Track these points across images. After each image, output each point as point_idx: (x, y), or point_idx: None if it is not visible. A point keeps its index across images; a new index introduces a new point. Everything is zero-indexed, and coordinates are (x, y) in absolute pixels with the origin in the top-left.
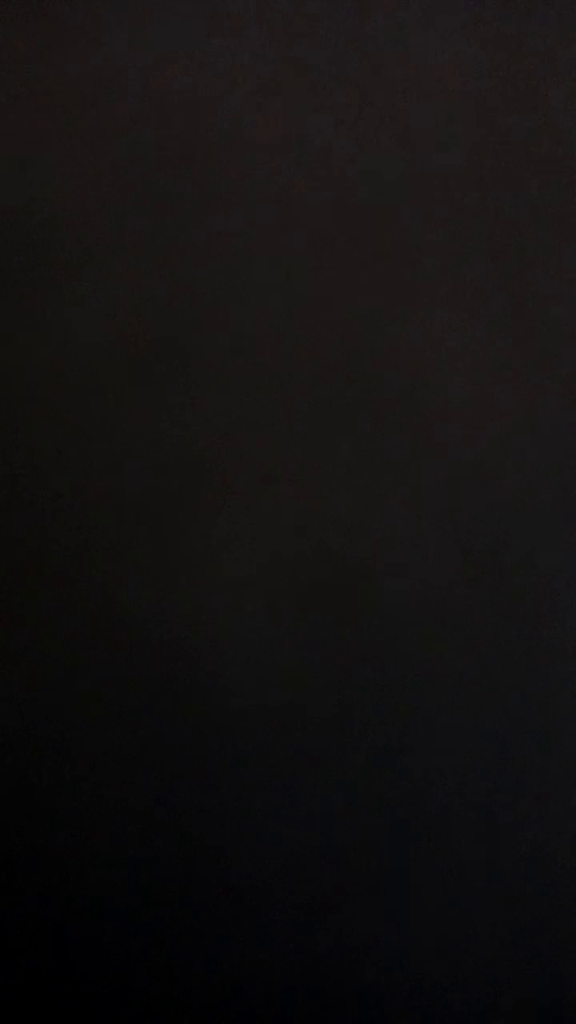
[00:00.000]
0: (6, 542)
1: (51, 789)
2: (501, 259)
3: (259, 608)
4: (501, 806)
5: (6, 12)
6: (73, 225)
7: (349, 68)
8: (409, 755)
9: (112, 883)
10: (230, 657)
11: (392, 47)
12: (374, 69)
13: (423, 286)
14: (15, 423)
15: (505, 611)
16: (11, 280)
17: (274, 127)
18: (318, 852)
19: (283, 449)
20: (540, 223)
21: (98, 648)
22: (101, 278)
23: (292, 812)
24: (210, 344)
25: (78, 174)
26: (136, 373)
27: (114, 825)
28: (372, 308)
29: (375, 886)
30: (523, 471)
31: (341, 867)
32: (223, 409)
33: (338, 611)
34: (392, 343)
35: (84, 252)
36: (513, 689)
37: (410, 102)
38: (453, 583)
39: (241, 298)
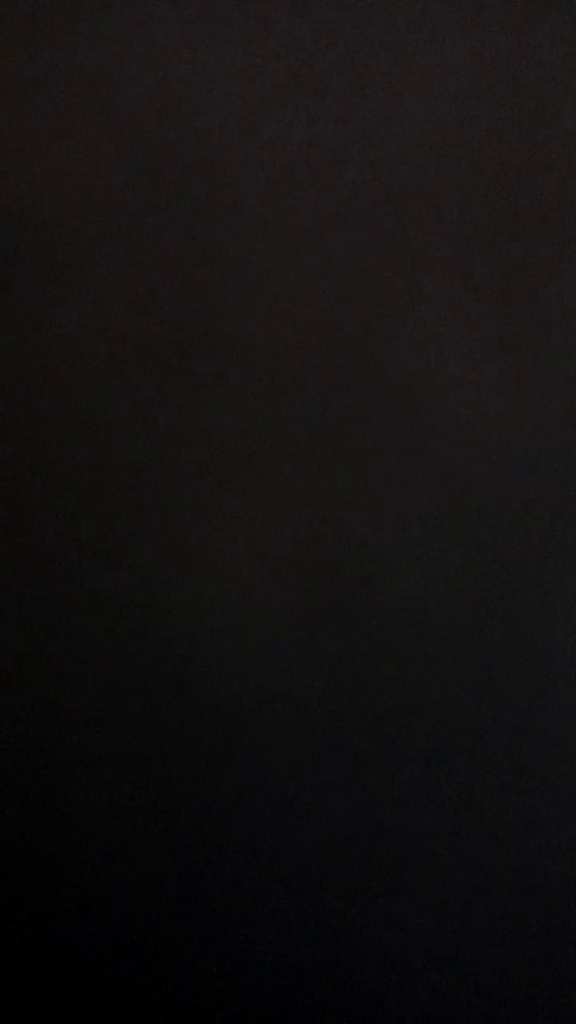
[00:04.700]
0: (2, 539)
1: (47, 788)
2: (501, 263)
3: (257, 608)
4: (502, 805)
5: (6, 12)
6: (73, 226)
7: (350, 69)
8: (408, 754)
9: (109, 882)
10: (228, 656)
11: (392, 48)
12: (375, 70)
13: (424, 288)
14: (14, 421)
15: (505, 611)
16: (12, 280)
17: (275, 127)
18: (317, 851)
19: (282, 448)
20: (541, 226)
21: (94, 646)
22: (101, 279)
23: (291, 812)
24: (210, 345)
25: (79, 175)
26: (134, 373)
27: (110, 822)
28: (372, 310)
29: (375, 886)
30: (523, 471)
31: (340, 866)
32: (222, 409)
33: (336, 610)
34: (392, 345)
35: (84, 253)
36: (513, 687)
37: (411, 104)
38: (452, 583)
39: (241, 299)
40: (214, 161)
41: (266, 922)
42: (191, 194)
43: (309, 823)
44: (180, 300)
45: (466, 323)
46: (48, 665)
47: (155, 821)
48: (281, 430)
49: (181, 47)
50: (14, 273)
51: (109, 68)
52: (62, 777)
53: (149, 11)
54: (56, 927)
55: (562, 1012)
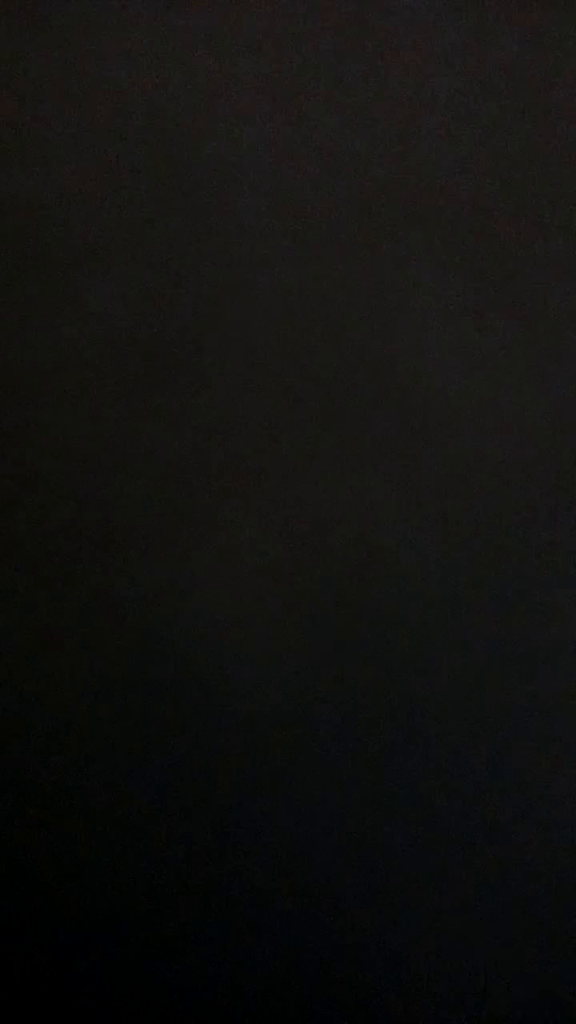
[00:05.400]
0: (3, 546)
1: (52, 795)
2: (499, 262)
3: (259, 612)
4: (501, 806)
5: (6, 12)
6: (73, 226)
7: (348, 70)
8: (409, 756)
9: (113, 885)
10: (230, 661)
11: (391, 50)
12: (373, 71)
13: (421, 287)
14: (13, 425)
15: (505, 613)
16: (11, 280)
17: (273, 129)
18: (318, 852)
19: (282, 452)
20: (538, 226)
21: (98, 654)
22: (100, 280)
23: (293, 814)
24: (208, 347)
25: (79, 174)
26: (134, 375)
27: (115, 827)
28: (370, 311)
29: (375, 886)
30: (521, 472)
31: (341, 867)
32: (221, 412)
33: (339, 614)
34: (390, 346)
35: (84, 253)
36: (513, 690)
37: (408, 105)
38: (453, 586)
39: (239, 302)
40: (213, 160)
41: (267, 923)
42: (190, 195)
43: (311, 828)
44: (178, 301)
45: (466, 323)
46: (49, 673)
47: (157, 825)
48: (281, 432)
49: (181, 48)
50: (13, 275)
51: (109, 68)
52: (66, 785)
53: (149, 11)
54: (56, 929)
55: (563, 1013)
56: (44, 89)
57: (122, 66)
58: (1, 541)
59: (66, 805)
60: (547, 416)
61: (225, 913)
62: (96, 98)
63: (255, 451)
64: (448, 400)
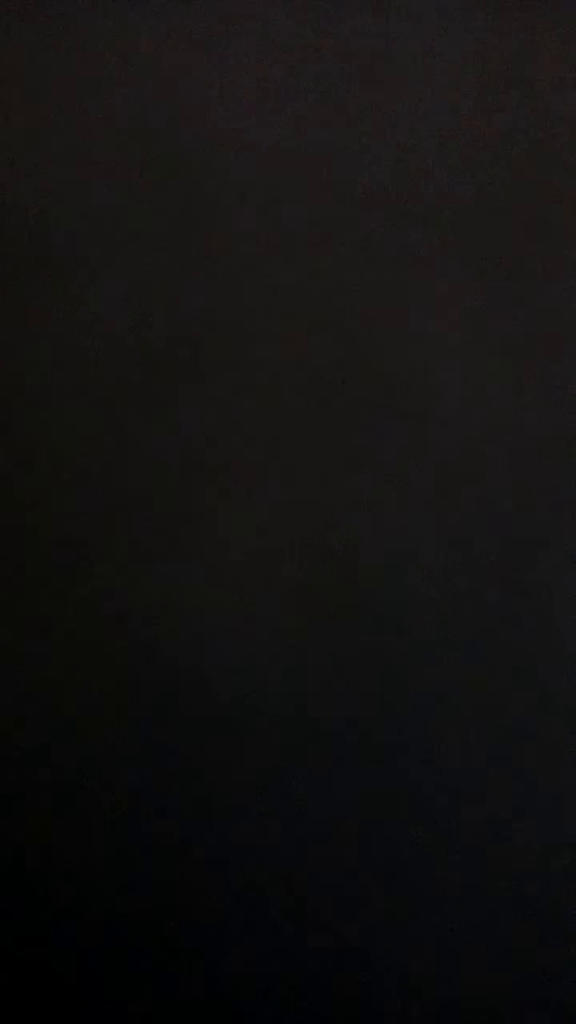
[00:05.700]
0: (4, 547)
1: (53, 795)
2: (499, 262)
3: (259, 612)
4: (501, 806)
5: (6, 12)
6: (73, 226)
7: (348, 71)
8: (408, 756)
9: (113, 884)
10: (231, 661)
11: (392, 51)
12: (374, 72)
13: (422, 286)
14: (13, 423)
15: (504, 611)
16: (11, 281)
17: (274, 129)
18: (319, 852)
19: (282, 450)
20: (538, 226)
21: (95, 650)
22: (101, 280)
23: (293, 814)
24: (208, 347)
25: (79, 175)
26: (134, 375)
27: (115, 827)
28: (371, 310)
29: (375, 887)
30: (521, 470)
31: (342, 868)
32: (222, 412)
33: (338, 612)
34: (391, 345)
35: (84, 254)
36: (513, 688)
37: (409, 105)
38: (453, 583)
39: (239, 302)
40: (214, 163)
41: (266, 924)
42: (191, 196)
43: (311, 828)
44: (180, 302)
45: (466, 323)
46: (49, 673)
47: (157, 825)
48: (281, 432)
49: (181, 48)
50: (14, 274)
51: (109, 68)
52: (62, 782)
53: (150, 11)
54: (56, 929)
55: (563, 1013)
56: (44, 89)
57: (122, 66)
58: (1, 541)
59: (66, 805)
60: (547, 416)
61: (224, 913)
62: (97, 98)
63: (255, 451)
64: (448, 400)
